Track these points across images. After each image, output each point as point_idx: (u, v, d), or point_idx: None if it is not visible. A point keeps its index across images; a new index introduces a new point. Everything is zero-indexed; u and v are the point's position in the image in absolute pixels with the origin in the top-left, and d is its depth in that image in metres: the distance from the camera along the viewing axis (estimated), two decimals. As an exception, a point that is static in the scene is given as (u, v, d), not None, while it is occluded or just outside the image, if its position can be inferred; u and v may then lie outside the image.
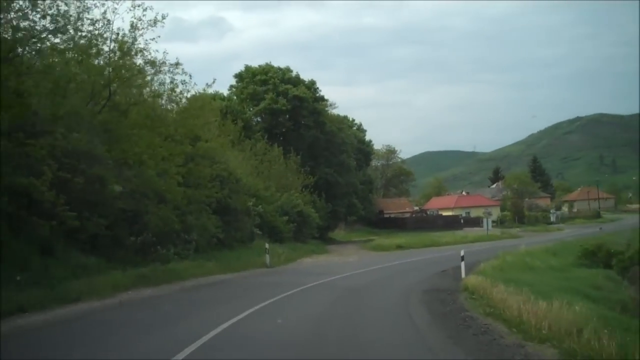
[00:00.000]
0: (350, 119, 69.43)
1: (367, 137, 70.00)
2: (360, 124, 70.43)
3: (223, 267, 20.23)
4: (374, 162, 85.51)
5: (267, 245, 23.99)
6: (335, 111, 57.43)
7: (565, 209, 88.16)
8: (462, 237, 44.19)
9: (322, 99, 50.78)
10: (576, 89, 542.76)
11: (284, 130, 48.25)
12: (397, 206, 74.91)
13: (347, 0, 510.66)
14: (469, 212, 73.71)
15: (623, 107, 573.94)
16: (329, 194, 46.84)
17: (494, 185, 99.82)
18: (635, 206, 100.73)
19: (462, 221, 66.79)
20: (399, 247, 37.73)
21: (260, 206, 29.34)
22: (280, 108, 46.79)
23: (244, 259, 22.41)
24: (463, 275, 17.13)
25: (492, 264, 19.08)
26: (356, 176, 63.93)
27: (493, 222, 69.78)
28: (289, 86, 47.71)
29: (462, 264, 17.89)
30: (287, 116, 48.26)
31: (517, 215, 64.88)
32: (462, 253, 18.27)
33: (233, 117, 38.26)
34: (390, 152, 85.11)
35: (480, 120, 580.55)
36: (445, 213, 72.14)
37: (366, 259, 29.97)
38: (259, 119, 48.71)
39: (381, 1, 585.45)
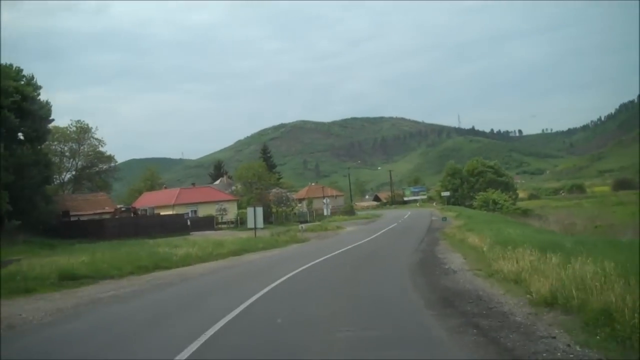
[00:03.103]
0: (14, 68, 44.02)
1: (44, 98, 45.35)
2: (33, 77, 45.06)
3: None
4: (58, 147, 59.76)
5: None
6: None
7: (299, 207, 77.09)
8: (216, 246, 24.17)
9: None
10: (276, 98, 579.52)
11: None
12: (91, 205, 51.14)
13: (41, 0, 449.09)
14: (195, 210, 55.00)
15: (322, 115, 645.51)
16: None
17: (217, 181, 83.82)
18: (364, 204, 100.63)
19: (188, 222, 47.71)
20: (73, 278, 16.00)
21: None
22: None
23: None
24: None
25: None
26: (21, 151, 40.08)
27: (231, 222, 52.94)
28: None
29: None
30: None
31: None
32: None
33: None
34: (83, 130, 60.53)
35: (187, 128, 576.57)
36: (163, 212, 51.79)
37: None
38: None
39: (79, 1, 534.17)
